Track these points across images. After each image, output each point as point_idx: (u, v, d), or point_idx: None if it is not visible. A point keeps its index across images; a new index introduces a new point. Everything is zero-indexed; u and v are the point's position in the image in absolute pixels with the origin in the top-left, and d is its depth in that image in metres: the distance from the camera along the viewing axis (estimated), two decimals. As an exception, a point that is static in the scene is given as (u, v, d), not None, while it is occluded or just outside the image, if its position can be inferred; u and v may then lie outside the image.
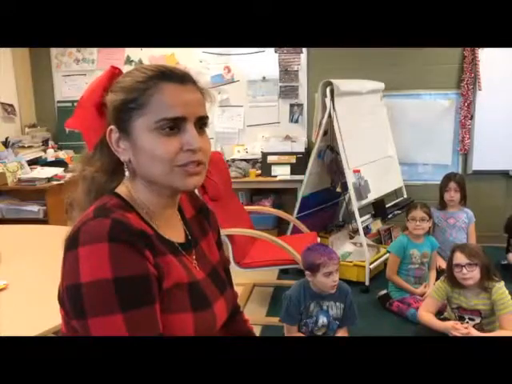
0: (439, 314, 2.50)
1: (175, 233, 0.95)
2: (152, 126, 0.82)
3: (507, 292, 2.27)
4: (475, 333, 2.21)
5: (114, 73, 0.89)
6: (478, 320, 2.33)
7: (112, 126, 0.86)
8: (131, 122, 0.84)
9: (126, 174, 0.91)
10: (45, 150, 4.21)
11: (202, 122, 0.87)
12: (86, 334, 0.77)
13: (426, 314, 2.40)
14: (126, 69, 0.87)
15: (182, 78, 0.85)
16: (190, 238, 0.98)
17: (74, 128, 0.93)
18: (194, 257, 0.97)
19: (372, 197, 3.49)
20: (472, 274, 2.25)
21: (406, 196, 3.92)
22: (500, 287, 2.26)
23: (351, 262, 3.41)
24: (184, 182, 0.85)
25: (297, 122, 4.24)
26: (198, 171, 0.85)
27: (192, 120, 0.84)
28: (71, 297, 0.78)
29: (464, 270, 2.25)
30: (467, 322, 2.34)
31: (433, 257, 3.09)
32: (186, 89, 0.85)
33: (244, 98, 4.26)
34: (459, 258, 2.27)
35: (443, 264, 3.09)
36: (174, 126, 0.83)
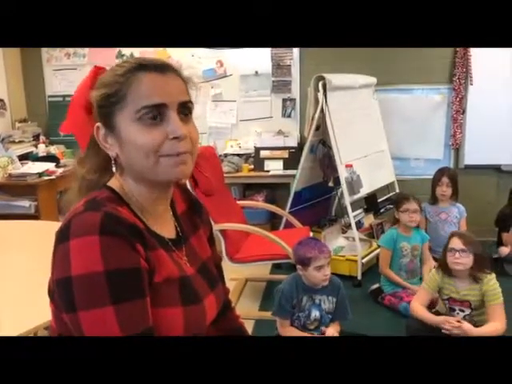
0: (431, 307, 2.52)
1: (166, 228, 0.94)
2: (134, 117, 0.82)
3: (497, 284, 2.30)
4: (467, 326, 2.23)
5: (98, 72, 0.89)
6: (468, 311, 2.35)
7: (98, 123, 0.86)
8: (114, 117, 0.84)
9: (113, 170, 0.90)
10: (36, 145, 4.18)
11: (185, 109, 0.86)
12: (77, 328, 0.76)
13: (418, 307, 2.42)
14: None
15: (160, 67, 0.85)
16: (180, 234, 0.98)
17: (67, 132, 0.94)
18: (184, 253, 0.97)
19: (364, 191, 3.51)
20: (464, 260, 2.28)
21: (398, 191, 3.94)
22: (491, 278, 2.30)
23: (343, 256, 3.42)
24: (170, 173, 0.84)
25: (289, 116, 4.24)
26: (184, 160, 0.84)
27: (174, 107, 0.83)
28: (62, 290, 0.78)
29: (457, 255, 2.28)
30: (457, 314, 2.36)
31: (424, 250, 3.10)
32: (165, 77, 0.84)
33: (237, 92, 4.25)
34: (455, 242, 2.32)
35: (433, 263, 3.11)
36: (156, 114, 0.82)
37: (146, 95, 0.82)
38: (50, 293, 0.84)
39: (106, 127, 0.85)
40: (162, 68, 0.85)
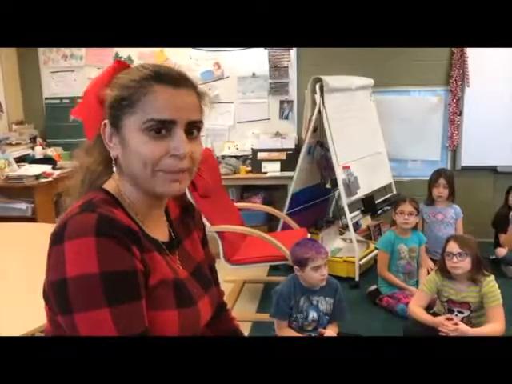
0: (429, 309, 2.52)
1: (159, 232, 0.94)
2: (140, 127, 0.81)
3: (497, 286, 2.30)
4: (464, 327, 2.23)
5: (118, 68, 0.89)
6: (466, 313, 2.35)
7: (106, 121, 0.86)
8: (122, 120, 0.83)
9: (114, 169, 0.90)
10: (33, 148, 4.17)
11: (194, 127, 0.85)
12: (72, 330, 0.76)
13: (416, 309, 2.42)
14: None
15: (177, 80, 0.84)
16: (173, 237, 0.98)
17: (77, 117, 0.94)
18: (178, 256, 0.97)
19: (361, 193, 3.51)
20: (462, 264, 2.28)
21: (395, 192, 3.94)
22: (491, 280, 2.30)
23: (341, 257, 3.42)
24: (165, 188, 0.84)
25: (287, 118, 4.24)
26: (180, 178, 0.84)
27: (182, 124, 0.83)
28: (57, 292, 0.77)
29: (455, 259, 2.28)
30: (456, 315, 2.36)
31: (421, 252, 3.11)
32: (180, 92, 0.83)
33: (234, 94, 4.25)
34: (452, 246, 2.32)
35: (431, 264, 3.12)
36: (162, 128, 0.81)
37: (156, 108, 0.81)
38: (45, 295, 0.84)
39: (113, 127, 0.85)
40: (178, 82, 0.84)
